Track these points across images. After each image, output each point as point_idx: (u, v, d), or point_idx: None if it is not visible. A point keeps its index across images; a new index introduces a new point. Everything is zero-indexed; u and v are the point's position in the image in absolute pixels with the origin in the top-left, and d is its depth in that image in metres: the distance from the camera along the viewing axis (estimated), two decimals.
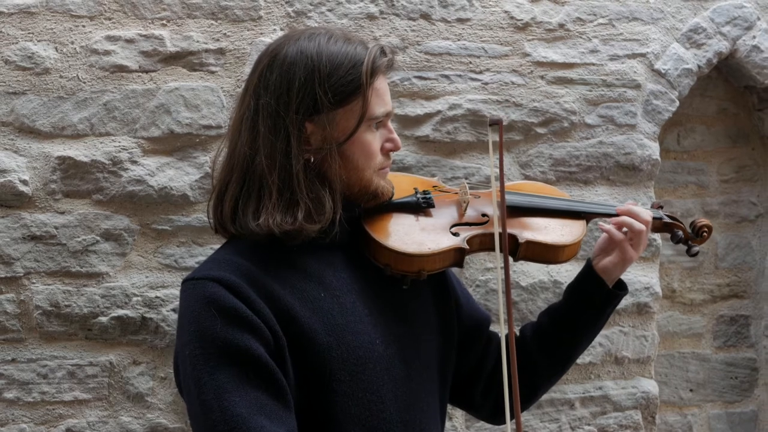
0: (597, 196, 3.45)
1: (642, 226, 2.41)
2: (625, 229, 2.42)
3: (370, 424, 2.13)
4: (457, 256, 2.30)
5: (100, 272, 2.99)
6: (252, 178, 2.12)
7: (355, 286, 2.20)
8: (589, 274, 2.46)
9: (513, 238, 2.36)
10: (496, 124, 2.34)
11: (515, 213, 2.43)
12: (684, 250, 2.63)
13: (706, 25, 3.60)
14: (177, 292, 3.02)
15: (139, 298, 3.01)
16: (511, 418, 2.13)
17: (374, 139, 2.19)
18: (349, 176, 2.17)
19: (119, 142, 2.98)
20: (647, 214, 2.45)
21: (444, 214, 2.36)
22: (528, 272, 3.38)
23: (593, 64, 3.45)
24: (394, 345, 2.20)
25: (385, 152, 2.23)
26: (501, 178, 2.30)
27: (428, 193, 2.37)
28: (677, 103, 3.56)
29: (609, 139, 3.46)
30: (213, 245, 3.06)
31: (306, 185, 2.11)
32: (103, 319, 2.98)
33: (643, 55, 3.51)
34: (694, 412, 3.89)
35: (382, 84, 2.19)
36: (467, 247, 2.29)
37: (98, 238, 2.99)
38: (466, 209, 2.36)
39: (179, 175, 3.03)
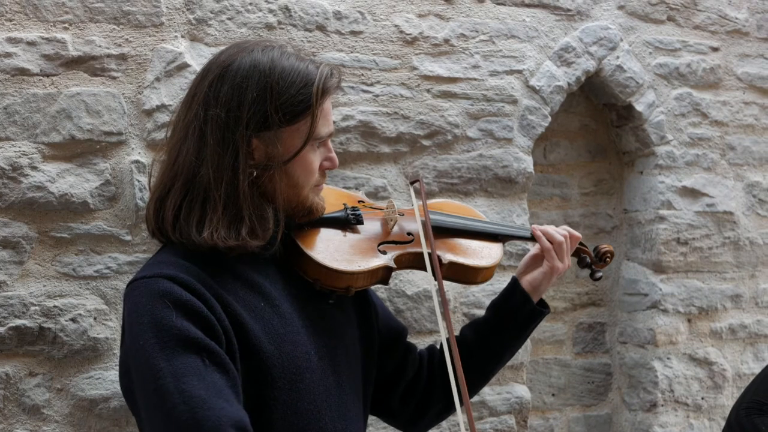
0: (476, 208, 3.71)
1: (561, 238, 2.70)
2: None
3: None
4: (385, 274, 2.48)
5: None
6: (196, 188, 2.22)
7: (290, 298, 2.33)
8: (515, 290, 2.69)
9: (437, 259, 2.54)
10: (416, 181, 2.57)
11: (438, 233, 2.62)
12: (588, 274, 2.92)
13: (576, 44, 3.95)
14: (75, 301, 3.09)
15: (37, 308, 3.05)
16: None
17: (316, 158, 2.33)
18: (288, 193, 2.30)
19: (19, 147, 3.03)
20: (562, 231, 2.74)
21: (371, 231, 2.52)
22: (413, 281, 3.61)
23: (475, 79, 3.74)
24: (327, 356, 2.36)
25: (322, 170, 2.38)
26: (429, 234, 2.51)
27: (357, 210, 2.53)
28: (549, 119, 3.89)
29: (488, 152, 3.75)
30: (112, 254, 3.15)
31: (251, 201, 2.23)
32: (0, 329, 3.02)
33: (519, 71, 3.83)
34: (556, 415, 4.24)
35: (328, 104, 2.33)
36: (395, 266, 2.47)
37: None
38: (393, 227, 2.54)
39: (79, 182, 3.10)
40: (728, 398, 4.31)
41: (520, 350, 3.74)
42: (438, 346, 2.76)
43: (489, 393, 3.77)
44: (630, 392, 4.26)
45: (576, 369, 4.28)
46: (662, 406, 4.16)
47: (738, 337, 4.38)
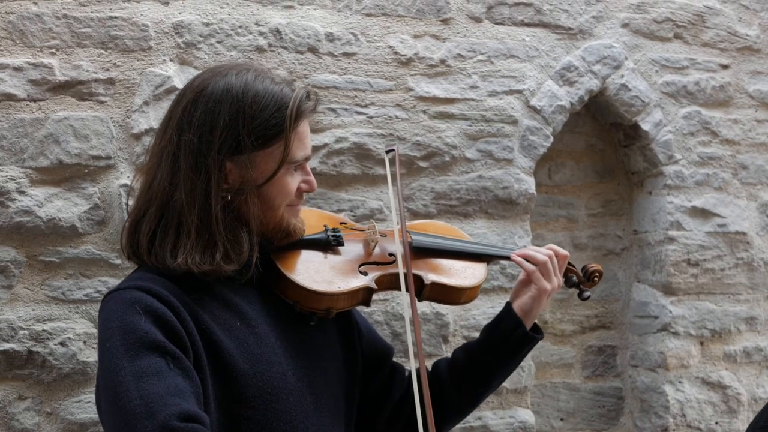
0: (476, 230, 3.71)
1: (544, 258, 2.66)
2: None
3: None
4: (366, 296, 2.47)
5: None
6: (170, 213, 2.25)
7: (267, 319, 2.34)
8: (507, 314, 2.64)
9: (419, 279, 2.54)
10: (391, 151, 2.58)
11: (421, 254, 2.61)
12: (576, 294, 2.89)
13: (578, 63, 3.94)
14: (64, 325, 3.13)
15: (26, 332, 3.09)
16: None
17: (292, 181, 2.33)
18: (263, 216, 2.31)
19: (6, 171, 3.08)
20: (546, 250, 2.70)
21: (352, 253, 2.52)
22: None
23: (473, 100, 3.74)
24: (305, 378, 2.36)
25: (300, 192, 2.38)
26: (400, 207, 2.52)
27: (338, 231, 2.53)
28: (551, 139, 3.88)
29: (488, 174, 3.75)
30: (101, 277, 3.18)
31: (224, 225, 2.25)
32: None
33: (519, 91, 3.82)
34: None
35: (304, 128, 2.33)
36: (375, 287, 2.46)
37: None
38: (374, 248, 2.54)
39: (68, 206, 3.15)
40: (743, 423, 4.25)
41: (523, 374, 3.76)
42: (430, 368, 2.74)
43: (491, 417, 3.75)
44: (642, 417, 4.22)
45: (585, 393, 4.25)
46: (674, 430, 4.11)
47: (753, 360, 4.32)
